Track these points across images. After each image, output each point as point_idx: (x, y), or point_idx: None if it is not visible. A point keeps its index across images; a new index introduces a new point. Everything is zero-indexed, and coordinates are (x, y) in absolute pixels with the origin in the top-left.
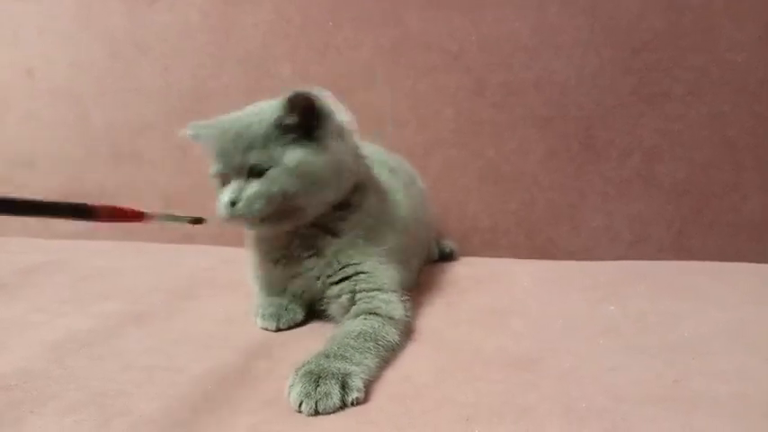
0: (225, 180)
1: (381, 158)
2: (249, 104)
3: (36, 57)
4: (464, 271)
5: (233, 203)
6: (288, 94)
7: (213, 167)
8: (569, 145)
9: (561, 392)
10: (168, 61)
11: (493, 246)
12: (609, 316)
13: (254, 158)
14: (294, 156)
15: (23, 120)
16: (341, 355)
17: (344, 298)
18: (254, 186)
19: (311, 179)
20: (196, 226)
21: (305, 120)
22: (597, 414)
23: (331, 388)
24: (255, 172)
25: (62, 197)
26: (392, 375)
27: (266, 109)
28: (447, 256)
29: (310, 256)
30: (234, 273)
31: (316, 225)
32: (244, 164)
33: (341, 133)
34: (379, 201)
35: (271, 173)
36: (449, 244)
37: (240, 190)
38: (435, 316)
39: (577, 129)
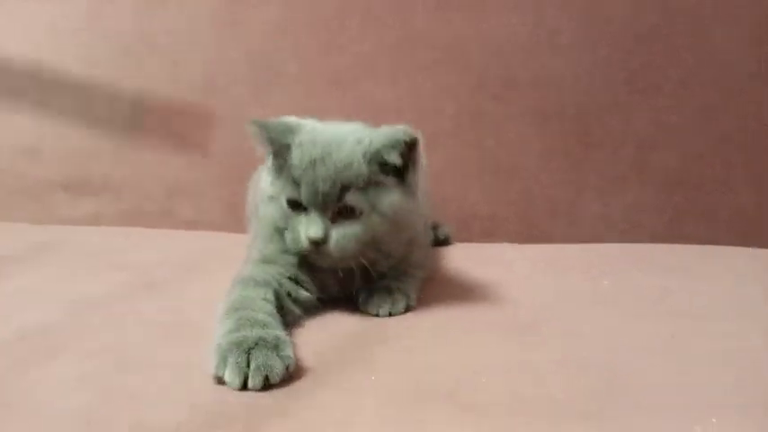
0: (299, 207)
1: None
2: (330, 122)
3: (47, 51)
4: (460, 253)
5: (319, 242)
6: (401, 135)
7: (289, 192)
8: (566, 138)
9: (561, 349)
10: (177, 57)
11: (492, 235)
12: (604, 289)
13: (351, 200)
14: (391, 200)
15: (30, 111)
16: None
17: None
18: (346, 229)
19: (401, 224)
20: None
21: (404, 162)
22: (597, 365)
23: (400, 298)
24: (346, 211)
25: (65, 186)
26: (392, 346)
27: (367, 143)
28: (441, 242)
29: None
30: (243, 251)
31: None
32: (336, 202)
33: (423, 177)
34: (424, 255)
35: (366, 217)
36: (444, 230)
37: (327, 227)
38: (432, 291)
39: (573, 122)
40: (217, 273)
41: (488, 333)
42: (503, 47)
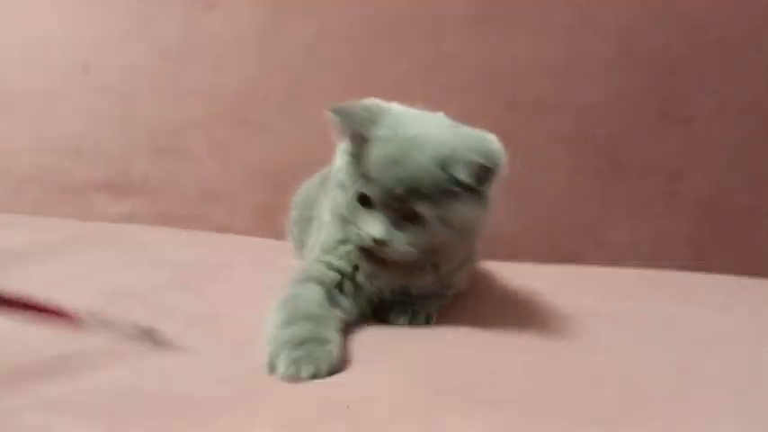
0: (368, 202)
1: None
2: (412, 111)
3: (93, 56)
4: (483, 271)
5: (381, 241)
6: (476, 156)
7: (360, 186)
8: (595, 162)
9: (578, 361)
10: (218, 65)
11: (516, 254)
12: (624, 312)
13: (420, 208)
14: (461, 211)
15: (75, 113)
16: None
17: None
18: (410, 233)
19: (466, 232)
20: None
21: (480, 179)
22: (612, 378)
23: (421, 312)
24: (413, 216)
25: (105, 186)
26: (413, 345)
27: (446, 155)
28: None
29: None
30: (273, 254)
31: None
32: (406, 206)
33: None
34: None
35: (432, 225)
36: None
37: (390, 230)
38: (454, 305)
39: (602, 147)
40: (247, 273)
41: (507, 342)
42: (533, 70)
